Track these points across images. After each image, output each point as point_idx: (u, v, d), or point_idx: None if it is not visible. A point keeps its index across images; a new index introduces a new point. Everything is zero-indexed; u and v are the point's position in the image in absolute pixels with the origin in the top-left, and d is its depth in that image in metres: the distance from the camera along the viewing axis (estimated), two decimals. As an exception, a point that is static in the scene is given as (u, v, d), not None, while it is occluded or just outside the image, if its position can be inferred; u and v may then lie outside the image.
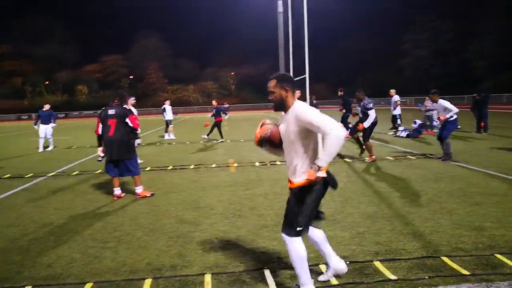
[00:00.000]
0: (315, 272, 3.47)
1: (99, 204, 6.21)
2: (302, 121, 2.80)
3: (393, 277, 3.32)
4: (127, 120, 6.34)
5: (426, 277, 3.29)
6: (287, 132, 2.93)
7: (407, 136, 14.16)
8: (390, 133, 15.37)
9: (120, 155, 6.32)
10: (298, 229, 2.93)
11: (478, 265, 3.49)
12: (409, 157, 9.64)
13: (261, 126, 3.16)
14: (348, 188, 6.60)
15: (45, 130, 14.21)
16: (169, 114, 16.79)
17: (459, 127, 16.49)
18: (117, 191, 6.52)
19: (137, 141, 13.66)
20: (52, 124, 14.47)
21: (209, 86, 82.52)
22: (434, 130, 14.84)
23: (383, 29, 74.26)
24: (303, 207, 2.90)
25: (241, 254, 3.95)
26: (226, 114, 17.38)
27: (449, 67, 66.22)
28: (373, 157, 9.33)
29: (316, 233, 3.27)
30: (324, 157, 2.73)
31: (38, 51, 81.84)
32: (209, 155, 11.43)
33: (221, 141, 14.87)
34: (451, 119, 8.81)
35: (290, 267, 3.59)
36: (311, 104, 23.98)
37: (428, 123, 15.39)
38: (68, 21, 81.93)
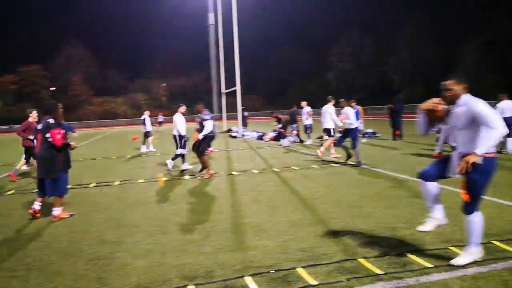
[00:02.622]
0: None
1: (9, 228, 5.67)
2: None
3: (314, 282, 3.43)
4: (48, 134, 5.84)
5: (344, 280, 3.44)
6: None
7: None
8: (309, 142, 16.09)
9: (43, 173, 5.88)
10: None
11: (391, 264, 3.73)
12: (333, 165, 10.10)
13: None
14: (275, 197, 6.73)
15: None
16: (148, 125, 15.97)
17: (379, 135, 17.64)
18: (37, 205, 6.05)
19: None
20: None
21: (139, 98, 79.96)
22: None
23: (312, 42, 77.65)
24: None
25: (166, 271, 3.84)
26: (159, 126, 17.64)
27: (370, 79, 71.24)
28: (211, 171, 9.15)
29: None
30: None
31: None
32: (136, 170, 11.02)
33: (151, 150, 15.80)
34: (350, 127, 9.88)
35: (217, 281, 3.57)
36: (243, 116, 24.03)
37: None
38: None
